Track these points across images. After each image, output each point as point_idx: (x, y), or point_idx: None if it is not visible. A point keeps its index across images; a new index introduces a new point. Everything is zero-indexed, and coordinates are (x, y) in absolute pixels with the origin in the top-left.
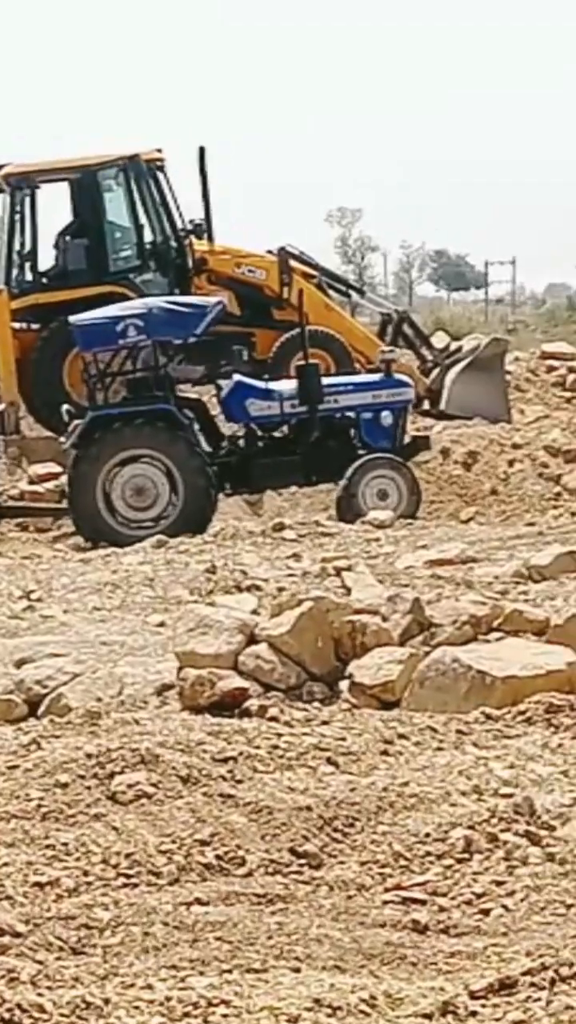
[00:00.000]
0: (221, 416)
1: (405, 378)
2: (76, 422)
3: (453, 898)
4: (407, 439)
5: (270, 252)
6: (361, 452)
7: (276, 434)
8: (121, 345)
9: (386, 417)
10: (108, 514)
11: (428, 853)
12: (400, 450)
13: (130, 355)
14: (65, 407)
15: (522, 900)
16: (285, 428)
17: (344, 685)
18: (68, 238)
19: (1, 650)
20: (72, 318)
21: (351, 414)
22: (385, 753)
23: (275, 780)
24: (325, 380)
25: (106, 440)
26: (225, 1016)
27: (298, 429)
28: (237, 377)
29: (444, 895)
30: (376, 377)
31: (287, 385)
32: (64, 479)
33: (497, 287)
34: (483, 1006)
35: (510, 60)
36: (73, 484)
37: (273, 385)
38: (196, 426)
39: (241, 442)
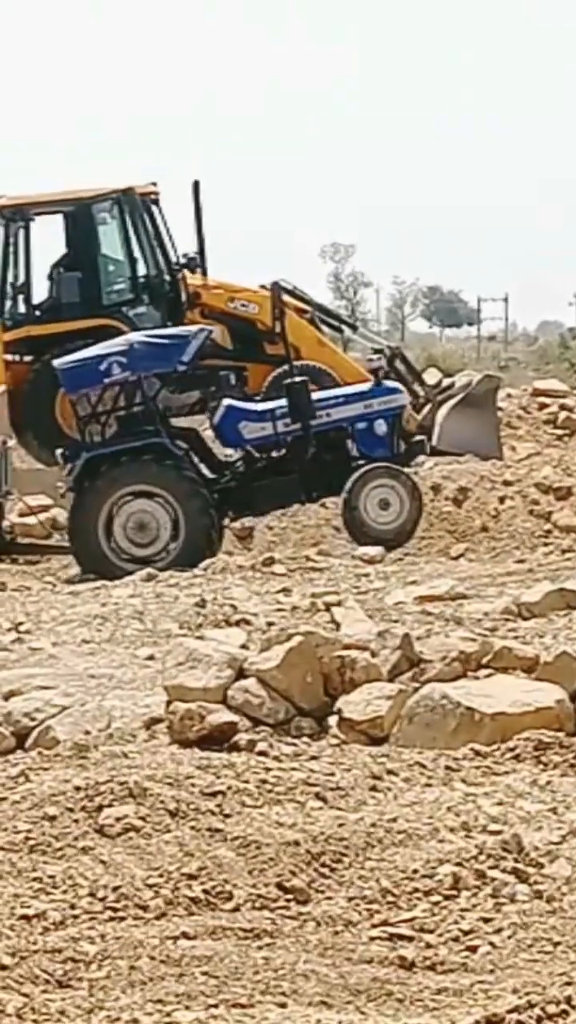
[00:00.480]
0: (218, 443)
1: (396, 384)
2: (70, 464)
3: (440, 935)
4: (403, 445)
5: (263, 287)
6: (359, 463)
7: (274, 454)
8: (107, 383)
9: (380, 425)
10: (111, 552)
11: (416, 889)
12: (397, 457)
13: (120, 391)
14: (59, 450)
15: (509, 937)
16: (282, 448)
17: (333, 720)
18: (62, 270)
19: None
20: (56, 361)
21: (345, 426)
22: (374, 789)
23: (263, 815)
24: (316, 395)
25: (103, 480)
26: None
27: (294, 447)
28: (228, 401)
29: (431, 932)
30: (367, 386)
31: (279, 404)
32: (55, 512)
33: (490, 324)
34: None
35: (510, 95)
36: (74, 525)
37: (264, 406)
38: (194, 457)
39: (240, 466)
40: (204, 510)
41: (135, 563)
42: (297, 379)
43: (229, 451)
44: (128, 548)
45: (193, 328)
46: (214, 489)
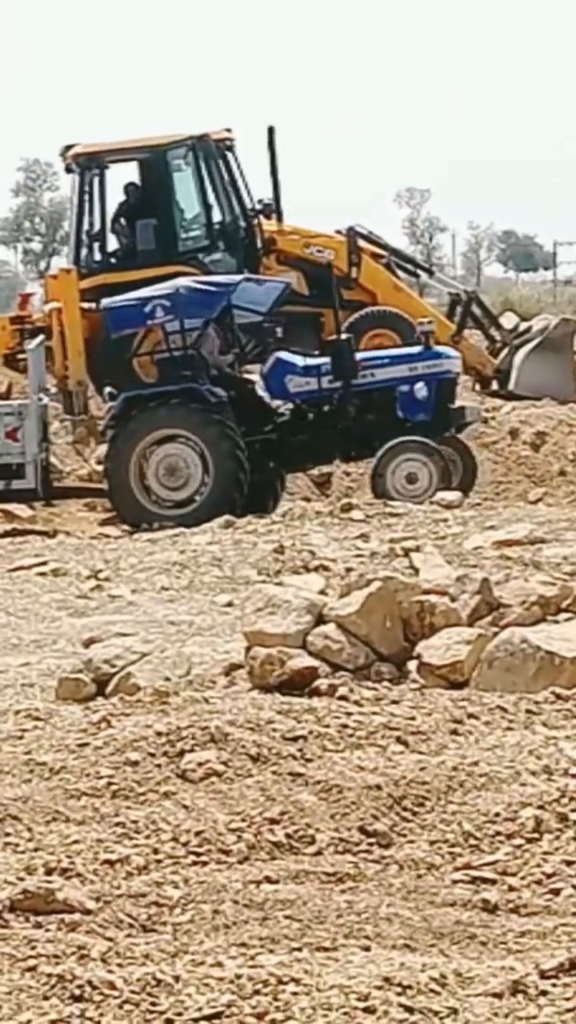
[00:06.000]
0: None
1: (447, 350)
2: (111, 403)
3: (523, 878)
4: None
5: (339, 232)
6: (405, 425)
7: (324, 409)
8: (148, 326)
9: (421, 389)
10: (142, 493)
11: (498, 833)
12: (436, 423)
13: (165, 336)
14: (107, 389)
15: None
16: (327, 404)
17: (412, 665)
18: (123, 220)
19: (70, 629)
20: (104, 301)
21: (389, 387)
22: (455, 732)
23: (344, 759)
24: (362, 354)
25: (135, 422)
26: (295, 994)
27: (339, 404)
28: (278, 354)
29: (514, 875)
30: (415, 349)
31: (325, 360)
32: None
33: (566, 268)
34: (553, 985)
35: None
36: (109, 463)
37: (311, 361)
38: (232, 405)
39: (285, 418)
40: (232, 453)
41: (166, 507)
42: (342, 337)
43: (279, 403)
44: (160, 492)
45: (236, 277)
46: (255, 439)
